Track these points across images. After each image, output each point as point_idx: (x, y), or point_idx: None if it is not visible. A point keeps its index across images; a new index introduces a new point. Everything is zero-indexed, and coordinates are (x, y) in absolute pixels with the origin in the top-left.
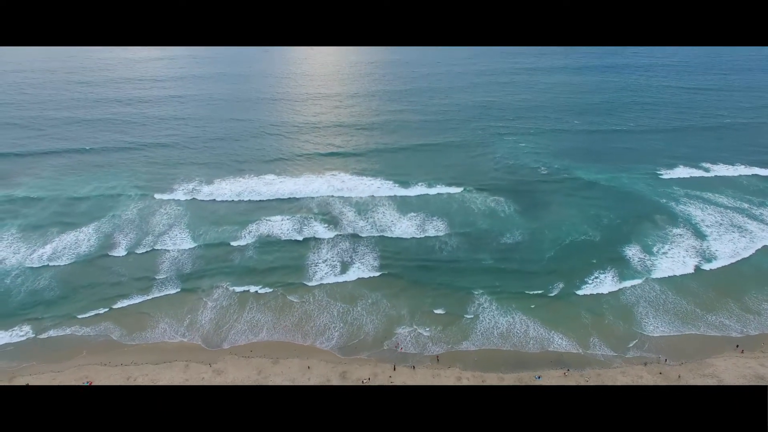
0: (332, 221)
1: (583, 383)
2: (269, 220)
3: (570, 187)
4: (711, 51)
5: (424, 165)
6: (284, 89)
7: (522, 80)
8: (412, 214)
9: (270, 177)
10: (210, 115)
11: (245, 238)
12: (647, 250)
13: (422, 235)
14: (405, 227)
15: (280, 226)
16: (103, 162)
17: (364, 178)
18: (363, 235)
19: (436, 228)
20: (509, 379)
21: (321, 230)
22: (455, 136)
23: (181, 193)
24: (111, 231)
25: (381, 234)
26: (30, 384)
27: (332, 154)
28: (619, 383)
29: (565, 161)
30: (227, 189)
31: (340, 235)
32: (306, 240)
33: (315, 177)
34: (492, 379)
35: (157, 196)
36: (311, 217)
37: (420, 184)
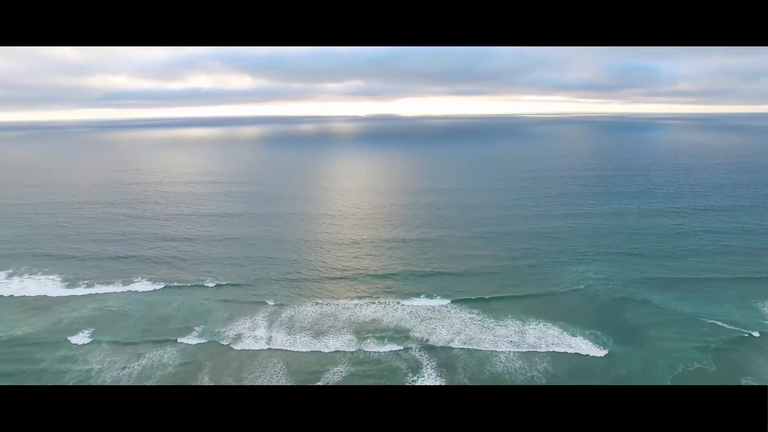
0: (428, 352)
1: None
2: (362, 350)
3: (661, 315)
4: (746, 191)
5: (510, 305)
6: (329, 231)
7: (579, 225)
8: (511, 347)
9: (350, 305)
10: (270, 256)
11: (338, 372)
12: None
13: (530, 370)
14: (509, 363)
15: (375, 357)
16: (167, 301)
17: (450, 312)
18: (458, 367)
19: (541, 360)
20: None
21: (418, 358)
22: (533, 278)
23: (261, 324)
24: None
25: (482, 370)
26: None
27: (407, 300)
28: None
29: (647, 294)
30: (307, 329)
31: (437, 366)
32: (404, 365)
33: (399, 311)
34: None
35: (236, 330)
36: (405, 346)
37: (511, 318)
